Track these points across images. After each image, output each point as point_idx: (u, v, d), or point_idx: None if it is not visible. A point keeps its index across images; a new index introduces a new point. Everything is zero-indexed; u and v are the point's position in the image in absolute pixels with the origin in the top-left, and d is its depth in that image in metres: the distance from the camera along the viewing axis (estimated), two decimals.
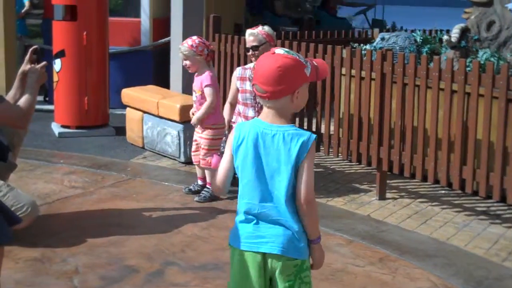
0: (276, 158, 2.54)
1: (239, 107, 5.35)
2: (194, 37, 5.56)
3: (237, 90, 5.37)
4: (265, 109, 2.60)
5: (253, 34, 5.24)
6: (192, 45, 5.45)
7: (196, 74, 5.58)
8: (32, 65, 4.25)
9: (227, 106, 5.52)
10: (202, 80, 5.48)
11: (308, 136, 2.54)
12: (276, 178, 2.54)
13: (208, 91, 5.44)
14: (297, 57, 2.55)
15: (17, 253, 4.31)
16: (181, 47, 5.53)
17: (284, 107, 2.57)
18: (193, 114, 5.60)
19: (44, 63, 4.23)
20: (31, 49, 4.38)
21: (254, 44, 5.21)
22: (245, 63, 6.19)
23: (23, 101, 3.98)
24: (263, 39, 5.22)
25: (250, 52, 5.25)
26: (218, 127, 5.54)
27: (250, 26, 5.80)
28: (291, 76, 2.51)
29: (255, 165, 2.57)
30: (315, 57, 6.03)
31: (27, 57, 4.34)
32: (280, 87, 2.51)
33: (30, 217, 4.48)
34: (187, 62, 5.51)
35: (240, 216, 2.63)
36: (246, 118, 5.22)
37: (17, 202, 4.38)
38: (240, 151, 2.60)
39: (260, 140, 2.56)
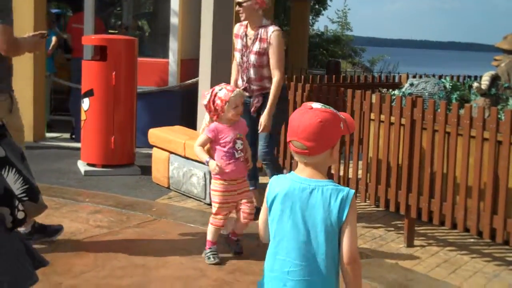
0: (314, 214, 2.44)
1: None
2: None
3: None
4: (301, 165, 2.51)
5: None
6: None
7: None
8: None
9: (233, 65, 6.12)
10: None
11: (347, 192, 2.44)
12: (314, 235, 2.43)
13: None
14: (334, 111, 2.50)
15: None
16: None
17: (323, 162, 2.49)
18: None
19: (43, 32, 4.93)
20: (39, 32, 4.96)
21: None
22: None
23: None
24: None
25: (237, 8, 5.81)
26: (217, 181, 5.04)
27: None
28: (331, 130, 2.45)
29: (291, 221, 2.46)
30: (344, 102, 6.03)
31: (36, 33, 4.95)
32: (322, 142, 2.43)
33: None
34: None
35: (270, 273, 2.52)
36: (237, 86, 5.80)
37: None
38: (274, 206, 2.51)
39: (297, 195, 2.46)
